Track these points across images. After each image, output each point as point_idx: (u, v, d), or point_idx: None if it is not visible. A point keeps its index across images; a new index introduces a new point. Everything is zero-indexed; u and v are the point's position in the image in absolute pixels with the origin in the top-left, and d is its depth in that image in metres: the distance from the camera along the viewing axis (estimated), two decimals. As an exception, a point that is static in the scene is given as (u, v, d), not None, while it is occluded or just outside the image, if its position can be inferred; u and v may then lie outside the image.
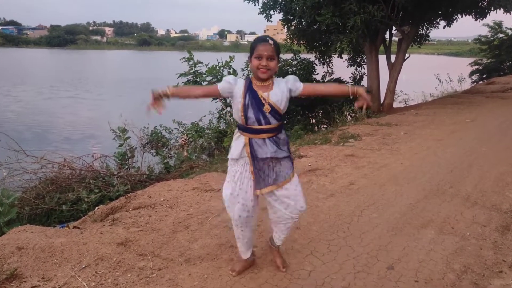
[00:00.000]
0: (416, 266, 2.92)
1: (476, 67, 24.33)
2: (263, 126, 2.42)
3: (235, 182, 2.52)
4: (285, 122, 2.62)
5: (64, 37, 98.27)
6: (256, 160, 2.46)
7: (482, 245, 3.27)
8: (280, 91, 2.42)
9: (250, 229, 2.65)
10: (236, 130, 2.55)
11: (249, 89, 2.41)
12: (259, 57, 2.34)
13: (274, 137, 2.46)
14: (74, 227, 3.63)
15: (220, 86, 2.43)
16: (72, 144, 12.79)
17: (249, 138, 2.44)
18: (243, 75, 10.46)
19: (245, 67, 10.62)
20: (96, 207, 4.23)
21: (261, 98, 2.39)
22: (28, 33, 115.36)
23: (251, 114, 2.39)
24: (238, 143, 2.50)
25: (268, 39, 2.36)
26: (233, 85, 2.42)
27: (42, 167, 5.21)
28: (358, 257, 3.03)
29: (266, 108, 2.38)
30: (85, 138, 14.42)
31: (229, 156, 2.56)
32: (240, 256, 2.81)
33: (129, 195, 4.31)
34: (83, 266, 2.83)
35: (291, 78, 2.51)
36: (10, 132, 5.73)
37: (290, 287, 2.65)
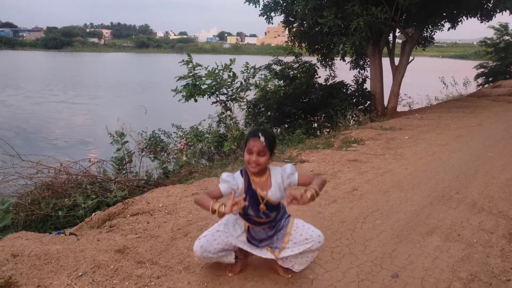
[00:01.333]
0: (421, 274, 2.85)
1: (482, 70, 24.25)
2: (263, 220, 2.52)
3: (222, 224, 2.62)
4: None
5: (60, 39, 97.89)
6: (254, 239, 2.59)
7: (489, 252, 3.20)
8: (278, 189, 2.47)
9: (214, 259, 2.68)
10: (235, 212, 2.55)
11: (248, 188, 2.46)
12: (249, 152, 2.39)
13: (273, 224, 2.57)
14: (71, 233, 3.57)
15: (222, 190, 2.44)
16: (68, 149, 12.70)
17: (248, 226, 2.56)
18: (243, 77, 10.40)
19: (244, 70, 10.57)
20: (93, 213, 4.17)
21: (259, 198, 2.45)
22: (24, 35, 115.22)
23: (250, 212, 2.49)
24: (236, 228, 2.59)
25: (260, 134, 2.36)
26: (235, 189, 2.44)
27: (38, 172, 5.15)
28: (361, 265, 2.97)
29: (262, 207, 2.45)
30: (82, 143, 14.37)
31: (222, 225, 2.62)
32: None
33: (127, 201, 4.25)
34: (80, 274, 2.77)
35: (287, 172, 2.52)
36: (4, 137, 5.68)
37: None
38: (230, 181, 2.46)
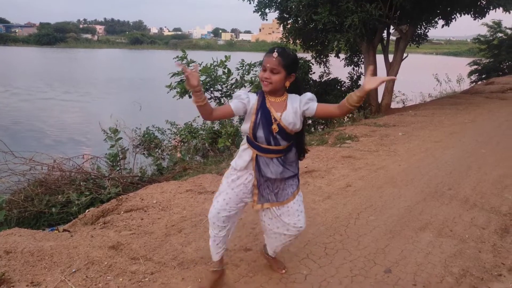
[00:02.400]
0: (414, 270, 2.88)
1: (475, 67, 24.38)
2: (272, 147, 2.33)
3: (230, 185, 2.45)
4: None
5: (53, 35, 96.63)
6: (262, 177, 2.39)
7: (481, 248, 3.23)
8: (293, 112, 2.30)
9: (225, 232, 2.53)
10: (244, 140, 2.45)
11: (261, 106, 2.30)
12: (263, 68, 2.26)
13: (282, 157, 2.38)
14: (64, 230, 3.55)
15: (233, 106, 2.28)
16: (62, 145, 12.59)
17: (256, 155, 2.36)
18: (238, 74, 10.37)
19: (240, 67, 10.54)
20: (87, 210, 4.15)
21: (272, 118, 2.28)
22: (17, 31, 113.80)
23: (260, 133, 2.30)
24: (244, 155, 2.41)
25: (275, 50, 2.23)
26: (246, 103, 2.29)
27: (31, 169, 5.11)
28: (355, 260, 2.99)
29: (274, 128, 2.28)
30: (75, 139, 14.23)
31: (233, 165, 2.47)
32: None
33: (120, 197, 4.24)
34: (73, 270, 2.77)
35: (307, 97, 2.33)
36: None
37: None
38: (243, 97, 2.30)
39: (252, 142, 2.36)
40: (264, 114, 2.29)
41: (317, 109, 2.31)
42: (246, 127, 2.33)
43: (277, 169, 2.37)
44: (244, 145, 2.44)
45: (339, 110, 2.25)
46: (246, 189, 2.44)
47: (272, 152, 2.35)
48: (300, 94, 2.36)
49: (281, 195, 2.45)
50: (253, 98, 2.32)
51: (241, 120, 11.40)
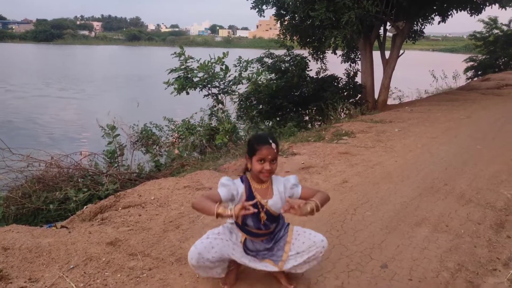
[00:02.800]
0: (410, 265, 2.89)
1: (471, 63, 24.41)
2: (261, 231, 2.38)
3: (218, 232, 2.42)
4: None
5: (50, 32, 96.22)
6: (251, 252, 2.44)
7: (477, 243, 3.25)
8: (279, 198, 2.35)
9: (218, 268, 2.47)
10: (231, 219, 2.41)
11: (249, 196, 2.30)
12: (261, 160, 2.24)
13: (271, 236, 2.44)
14: (62, 226, 3.56)
15: (222, 195, 2.25)
16: (59, 142, 12.54)
17: (245, 238, 2.41)
18: (236, 71, 10.35)
19: (237, 63, 10.51)
20: (85, 206, 4.17)
21: (259, 205, 2.29)
22: (14, 27, 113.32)
23: (250, 222, 2.34)
24: (234, 235, 2.43)
25: (270, 141, 2.25)
26: (235, 194, 2.30)
27: (29, 166, 5.11)
28: (351, 255, 3.00)
29: (262, 216, 2.31)
30: (73, 136, 14.18)
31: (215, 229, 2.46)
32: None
33: (118, 194, 4.24)
34: (71, 267, 2.77)
35: (291, 182, 2.40)
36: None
37: (282, 286, 2.60)
38: (230, 185, 2.30)
39: (241, 226, 2.40)
40: (252, 204, 2.23)
41: (302, 194, 2.40)
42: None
43: (267, 245, 2.43)
44: (230, 220, 2.44)
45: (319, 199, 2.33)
46: (233, 246, 2.40)
47: (262, 236, 2.41)
48: None
49: (275, 254, 2.45)
50: (241, 187, 2.33)
51: (238, 117, 11.42)
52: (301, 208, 2.16)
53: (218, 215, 2.07)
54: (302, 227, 2.56)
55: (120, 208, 3.89)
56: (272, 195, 2.35)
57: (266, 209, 2.31)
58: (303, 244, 2.43)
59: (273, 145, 2.24)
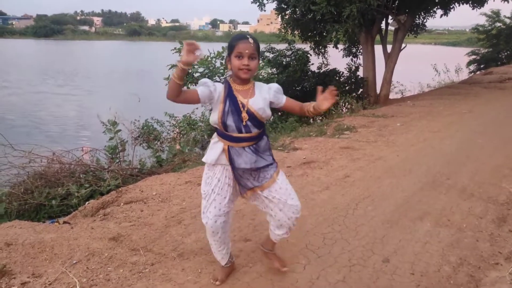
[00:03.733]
0: (411, 259, 2.90)
1: (474, 57, 24.27)
2: (243, 135, 2.28)
3: (212, 188, 2.38)
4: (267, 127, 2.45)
5: (50, 27, 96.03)
6: (235, 168, 2.34)
7: (478, 237, 3.25)
8: (262, 99, 2.30)
9: (226, 235, 2.50)
10: (215, 134, 2.40)
11: (229, 94, 2.26)
12: (239, 56, 2.19)
13: (254, 145, 2.33)
14: (64, 222, 3.57)
15: (200, 92, 2.21)
16: (61, 138, 12.56)
17: (228, 146, 2.31)
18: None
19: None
20: (87, 202, 4.18)
21: (240, 104, 2.25)
22: (14, 23, 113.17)
23: (230, 121, 2.25)
24: (215, 148, 2.36)
25: (248, 36, 2.21)
26: (213, 91, 2.24)
27: (30, 162, 5.10)
28: (353, 250, 3.01)
29: (244, 116, 2.25)
30: (74, 132, 14.19)
31: (205, 160, 2.41)
32: (219, 268, 2.66)
33: (120, 189, 4.26)
34: (74, 262, 2.79)
35: (274, 87, 2.37)
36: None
37: (284, 280, 2.62)
38: (209, 84, 2.25)
39: (223, 133, 2.31)
40: (232, 102, 2.25)
41: (285, 103, 2.40)
42: (214, 117, 2.29)
43: (251, 158, 2.31)
44: (214, 138, 2.40)
45: (300, 110, 2.39)
46: (227, 186, 2.38)
47: (244, 141, 2.30)
48: None
49: (259, 181, 2.38)
50: (220, 87, 2.29)
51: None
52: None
53: (175, 77, 2.02)
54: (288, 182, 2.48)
55: (122, 204, 3.91)
56: (253, 95, 2.31)
57: (248, 109, 2.25)
58: (274, 192, 2.39)
59: (251, 40, 2.19)
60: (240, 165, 2.30)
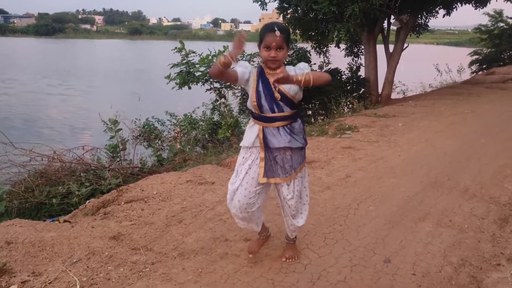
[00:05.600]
0: (413, 259, 2.89)
1: (476, 57, 24.17)
2: (277, 114, 2.40)
3: (244, 167, 2.49)
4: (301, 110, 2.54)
5: (52, 26, 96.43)
6: (269, 150, 2.44)
7: (480, 238, 3.24)
8: None
9: (254, 215, 2.59)
10: (251, 119, 2.53)
11: (261, 77, 2.39)
12: (267, 47, 2.30)
13: (288, 125, 2.43)
14: (65, 221, 3.57)
15: (239, 71, 2.34)
16: (62, 137, 12.57)
17: (263, 127, 2.42)
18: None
19: (240, 57, 10.46)
20: (87, 201, 4.18)
21: (272, 86, 2.36)
22: (15, 21, 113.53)
23: (264, 102, 2.38)
24: (251, 131, 2.48)
25: (276, 28, 2.28)
26: (249, 71, 2.40)
27: (31, 160, 5.12)
28: (354, 250, 3.00)
29: (277, 95, 2.36)
30: (75, 130, 14.20)
31: (242, 144, 2.54)
32: (255, 238, 2.84)
33: (121, 188, 4.25)
34: (74, 261, 2.79)
35: (300, 66, 2.43)
36: (-4, 124, 5.62)
37: (285, 280, 2.61)
38: (247, 65, 2.42)
39: (258, 115, 2.42)
40: (264, 83, 2.38)
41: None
42: (250, 98, 2.41)
43: (285, 138, 2.41)
44: (250, 123, 2.52)
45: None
46: (257, 168, 2.48)
47: (278, 120, 2.40)
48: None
49: (287, 170, 2.49)
50: (254, 70, 2.43)
51: (241, 111, 11.39)
52: (293, 76, 2.19)
53: (220, 63, 2.11)
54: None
55: (122, 203, 3.90)
56: None
57: (279, 89, 2.36)
58: (291, 186, 2.56)
59: (277, 33, 2.26)
60: (275, 145, 2.41)
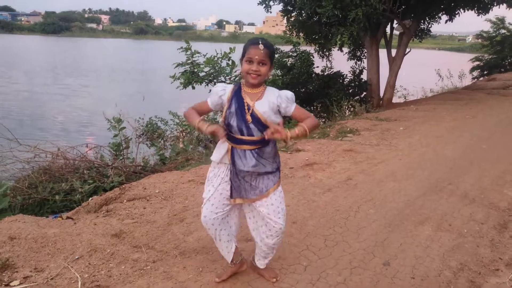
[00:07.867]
0: (412, 263, 2.90)
1: (477, 63, 24.19)
2: (245, 137, 2.26)
3: (213, 184, 2.40)
4: None
5: (59, 24, 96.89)
6: (235, 169, 2.32)
7: (479, 242, 3.26)
8: (268, 103, 2.24)
9: (224, 233, 2.46)
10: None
11: (235, 95, 2.26)
12: (249, 61, 2.18)
13: (257, 149, 2.28)
14: (67, 217, 3.59)
15: (210, 102, 2.31)
16: (66, 134, 12.60)
17: (231, 147, 2.30)
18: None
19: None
20: (90, 198, 4.20)
21: (245, 106, 2.23)
22: (23, 19, 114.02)
23: (233, 122, 2.24)
24: (221, 147, 2.36)
25: (260, 42, 2.18)
26: (222, 95, 2.28)
27: (35, 157, 5.14)
28: (354, 252, 3.02)
29: (248, 118, 2.21)
30: (79, 128, 14.22)
31: (211, 158, 2.43)
32: (226, 267, 2.66)
33: (123, 186, 4.28)
34: (76, 257, 2.80)
35: (285, 95, 2.27)
36: (1, 120, 5.64)
37: (285, 281, 2.63)
38: (218, 90, 2.30)
39: (228, 133, 2.29)
40: (237, 102, 2.24)
41: (294, 112, 2.29)
42: (222, 116, 2.31)
43: (251, 162, 2.28)
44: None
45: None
46: (227, 186, 2.38)
47: (246, 144, 2.27)
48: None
49: (253, 192, 2.34)
50: (229, 88, 2.31)
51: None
52: (288, 132, 2.13)
53: (198, 129, 2.22)
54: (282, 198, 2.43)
55: (125, 201, 3.92)
56: (261, 98, 2.26)
57: (253, 111, 2.22)
58: (263, 207, 2.36)
59: (261, 46, 2.16)
60: (239, 167, 2.29)
